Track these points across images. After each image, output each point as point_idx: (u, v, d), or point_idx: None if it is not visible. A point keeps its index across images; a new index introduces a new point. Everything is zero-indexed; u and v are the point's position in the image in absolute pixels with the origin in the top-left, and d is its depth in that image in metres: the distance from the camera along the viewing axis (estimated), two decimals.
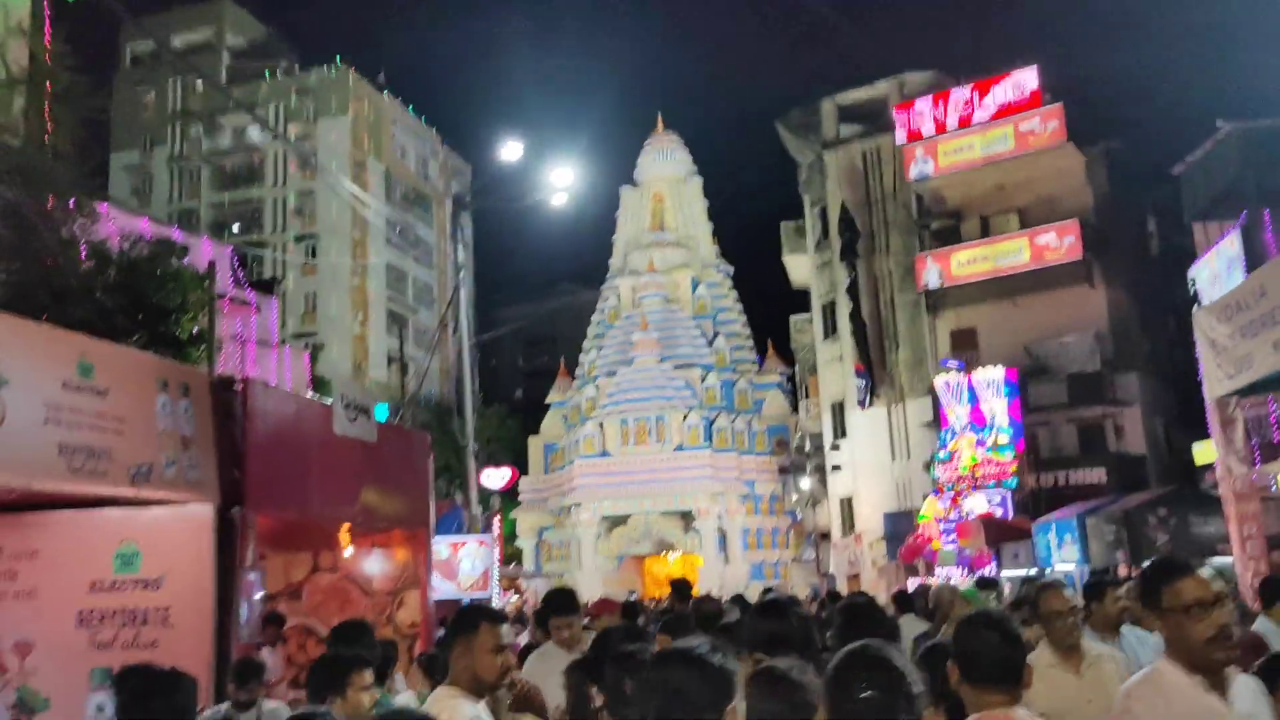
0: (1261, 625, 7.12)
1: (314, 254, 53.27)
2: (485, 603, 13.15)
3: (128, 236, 10.23)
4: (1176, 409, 32.14)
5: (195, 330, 10.03)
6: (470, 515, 13.88)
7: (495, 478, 18.02)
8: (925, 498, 28.14)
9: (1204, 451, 27.18)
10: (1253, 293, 10.96)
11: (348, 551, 8.27)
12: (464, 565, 13.26)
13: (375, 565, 8.50)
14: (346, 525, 8.04)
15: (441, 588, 13.15)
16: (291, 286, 52.38)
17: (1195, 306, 13.63)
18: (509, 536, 46.17)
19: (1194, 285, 17.87)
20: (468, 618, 3.65)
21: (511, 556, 47.03)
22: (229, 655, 5.68)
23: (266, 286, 27.64)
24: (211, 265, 9.75)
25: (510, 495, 45.34)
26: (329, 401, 8.09)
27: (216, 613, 5.79)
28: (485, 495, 18.26)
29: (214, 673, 5.63)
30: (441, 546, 13.29)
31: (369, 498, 7.92)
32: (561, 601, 5.55)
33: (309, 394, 21.63)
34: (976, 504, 26.22)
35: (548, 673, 4.82)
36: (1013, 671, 2.89)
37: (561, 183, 14.89)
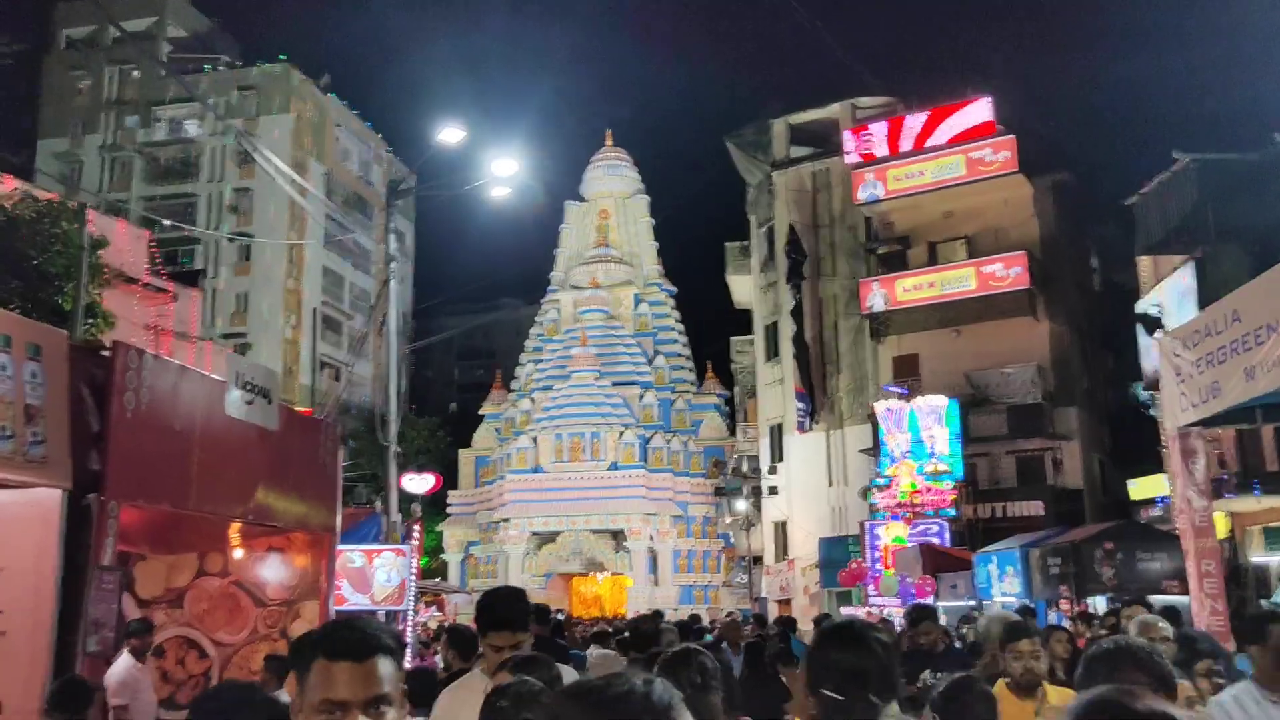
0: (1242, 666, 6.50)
1: (248, 253, 51.69)
2: (388, 621, 12.21)
3: (8, 196, 9.19)
4: (1112, 445, 32.16)
5: (86, 303, 9.01)
6: (389, 523, 12.93)
7: (418, 484, 17.12)
8: (861, 524, 27.61)
9: (1140, 487, 27.13)
10: (1224, 317, 10.44)
11: (238, 554, 7.34)
12: (379, 576, 12.32)
13: (271, 571, 7.57)
14: (237, 525, 7.11)
15: (354, 599, 12.19)
16: (223, 285, 50.76)
17: (1159, 332, 13.15)
18: (435, 550, 44.95)
19: (1159, 309, 17.55)
20: (301, 649, 2.10)
21: (436, 571, 45.79)
22: (72, 670, 4.75)
23: (191, 278, 26.33)
24: (97, 238, 8.75)
25: (438, 508, 44.16)
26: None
27: (58, 620, 4.85)
28: (408, 502, 17.28)
29: (49, 691, 4.67)
30: (355, 555, 12.35)
31: (266, 494, 6.99)
32: (508, 610, 3.64)
33: None
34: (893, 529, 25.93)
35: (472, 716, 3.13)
36: None
37: (504, 173, 14.07)
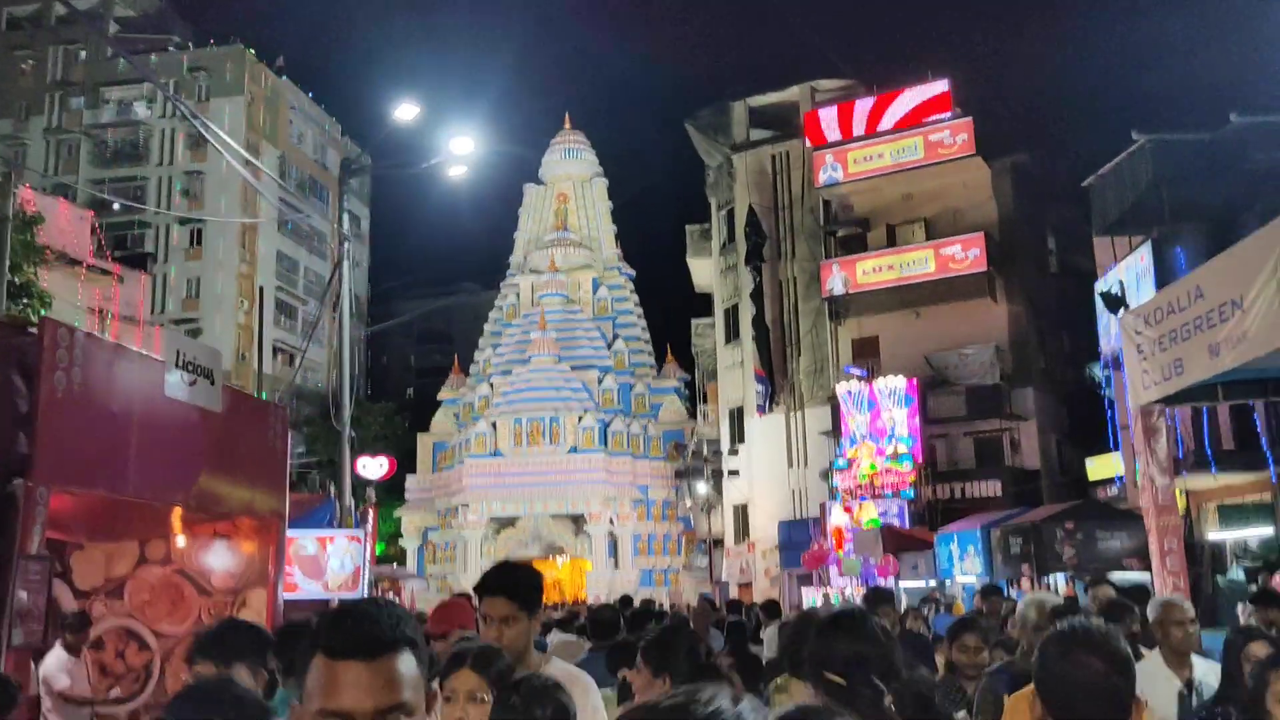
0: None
1: (200, 238, 50.73)
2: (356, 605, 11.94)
3: None
4: (1069, 425, 32.41)
5: (19, 282, 8.61)
6: (342, 508, 12.62)
7: (372, 468, 16.82)
8: (823, 505, 27.62)
9: (1098, 467, 27.34)
10: (1187, 294, 10.40)
11: (181, 542, 7.04)
12: (332, 563, 12.01)
13: (216, 558, 7.28)
14: (181, 511, 6.81)
15: (306, 587, 11.89)
16: (174, 270, 49.80)
17: (1121, 310, 13.12)
18: (392, 537, 44.52)
19: (1120, 288, 17.55)
20: (294, 640, 1.78)
21: (394, 558, 45.35)
22: None
23: (139, 262, 25.67)
24: (31, 215, 8.36)
25: (396, 494, 43.73)
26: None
27: None
28: (362, 487, 16.95)
29: None
30: (308, 541, 12.03)
31: (210, 478, 6.70)
32: (499, 577, 3.30)
33: None
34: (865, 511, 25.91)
35: None
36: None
37: (461, 152, 13.74)
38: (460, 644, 2.96)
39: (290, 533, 12.34)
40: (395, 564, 43.12)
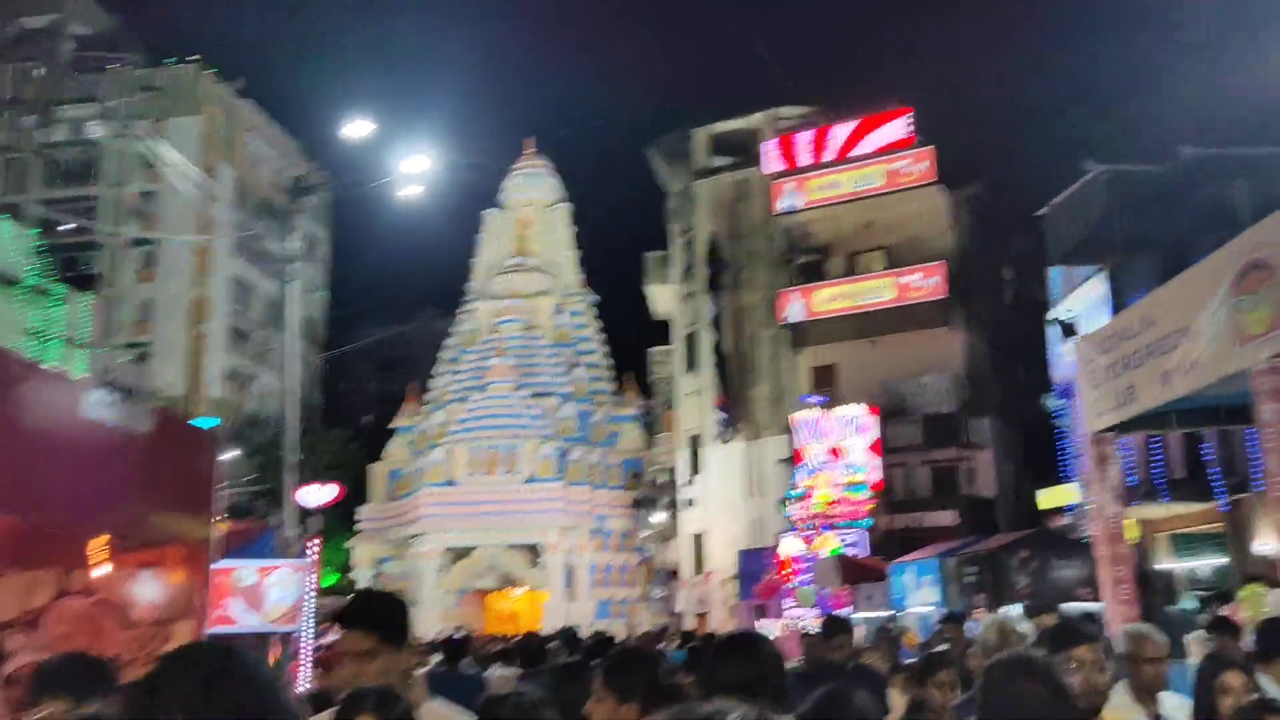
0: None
1: (153, 260, 49.94)
2: (287, 640, 11.57)
3: None
4: (1025, 455, 32.56)
5: None
6: (284, 537, 12.27)
7: (318, 495, 16.45)
8: (779, 536, 27.46)
9: (1050, 497, 27.47)
10: (1139, 320, 10.42)
11: (103, 571, 6.71)
12: (272, 594, 11.64)
13: (140, 589, 6.94)
14: (104, 538, 6.49)
15: (244, 620, 11.51)
16: (125, 292, 48.93)
17: (1075, 337, 13.12)
18: (345, 568, 43.76)
19: (1073, 316, 17.64)
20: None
21: (346, 590, 44.55)
22: None
23: (84, 283, 25.11)
24: None
25: (348, 524, 43.01)
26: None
27: None
28: (308, 516, 16.54)
29: None
30: (246, 572, 11.66)
31: (134, 504, 6.39)
32: (351, 607, 3.08)
33: None
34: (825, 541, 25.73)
35: None
36: None
37: (414, 170, 13.53)
38: (358, 687, 2.73)
39: (228, 563, 11.97)
40: (345, 596, 42.39)
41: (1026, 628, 6.15)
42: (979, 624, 15.41)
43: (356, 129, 12.98)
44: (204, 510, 7.24)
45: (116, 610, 6.89)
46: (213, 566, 11.72)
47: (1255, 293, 8.83)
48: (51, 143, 51.65)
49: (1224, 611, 11.97)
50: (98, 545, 6.61)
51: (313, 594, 11.74)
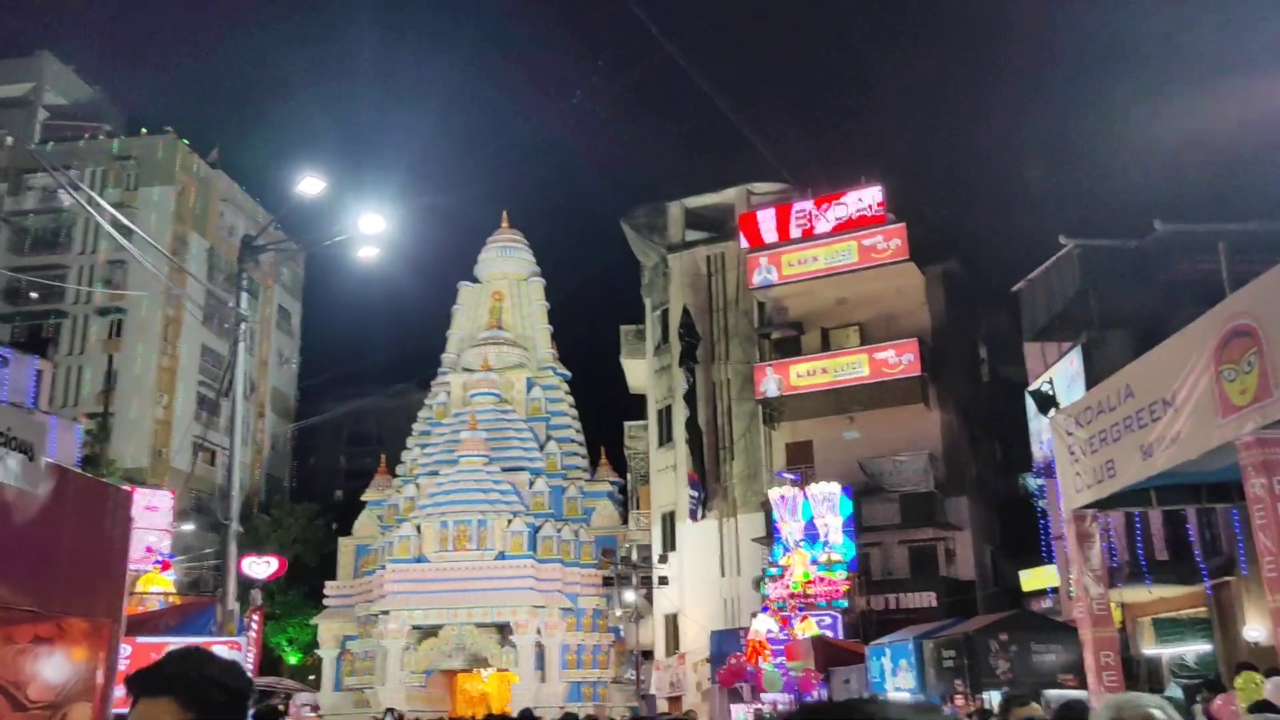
0: None
1: (119, 329, 49.26)
2: None
3: None
4: (1002, 536, 32.04)
5: None
6: (224, 612, 11.57)
7: (260, 567, 15.69)
8: (754, 616, 26.68)
9: (1031, 579, 26.90)
10: (1117, 393, 10.02)
11: None
12: None
13: (35, 667, 6.31)
14: None
15: None
16: (91, 362, 48.15)
17: (1052, 411, 12.74)
18: (309, 646, 42.49)
19: (1051, 386, 17.30)
20: None
21: (310, 669, 43.28)
22: None
23: (38, 347, 24.48)
24: None
25: (317, 600, 41.85)
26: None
27: None
28: (250, 588, 15.77)
29: None
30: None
31: (26, 572, 5.81)
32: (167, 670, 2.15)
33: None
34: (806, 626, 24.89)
35: None
36: None
37: (371, 230, 13.13)
38: None
39: (160, 639, 11.26)
40: (311, 675, 41.15)
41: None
42: (958, 711, 14.77)
43: (308, 186, 12.62)
44: (114, 580, 6.65)
45: (7, 690, 6.24)
46: (141, 641, 11.04)
47: (1238, 362, 8.46)
48: (21, 210, 51.25)
49: (1218, 702, 11.40)
50: None
51: (250, 673, 11.03)
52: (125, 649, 10.26)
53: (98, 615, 6.46)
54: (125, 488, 7.91)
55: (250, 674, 11.57)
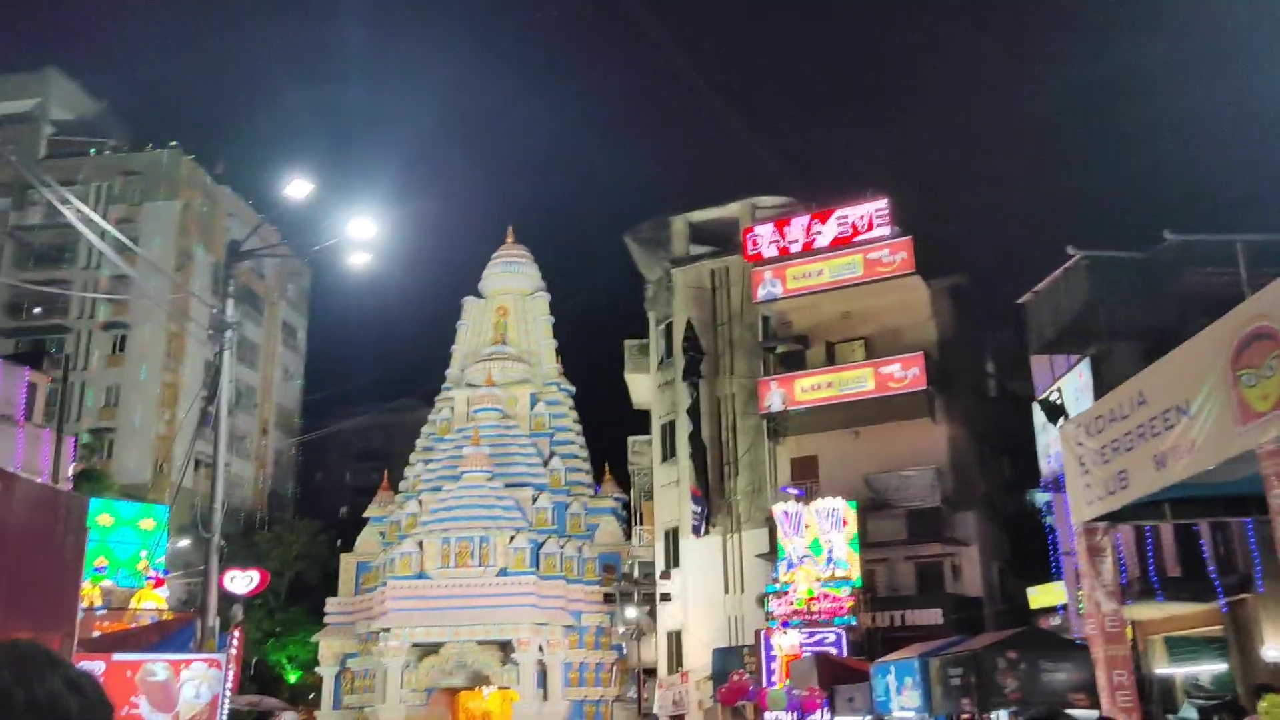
0: None
1: (123, 344, 49.09)
2: None
3: None
4: (1010, 552, 31.54)
5: None
6: (204, 628, 11.21)
7: (240, 582, 15.36)
8: (759, 633, 26.23)
9: (1040, 596, 26.42)
10: (1129, 400, 9.62)
11: None
12: (186, 691, 10.58)
13: None
14: None
15: (153, 719, 10.43)
16: (94, 377, 47.96)
17: (1061, 421, 12.35)
18: (309, 664, 42.05)
19: (1059, 394, 16.87)
20: None
21: (311, 687, 42.82)
22: None
23: (34, 360, 24.21)
24: None
25: (317, 618, 41.46)
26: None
27: None
28: (230, 604, 15.39)
29: None
30: (158, 667, 10.62)
31: None
32: None
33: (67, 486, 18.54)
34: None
35: None
36: None
37: (362, 235, 12.83)
38: None
39: (137, 656, 10.89)
40: (312, 694, 40.66)
41: None
42: None
43: (296, 189, 12.35)
44: (66, 591, 6.31)
45: None
46: (118, 659, 10.67)
47: (1258, 366, 8.06)
48: (26, 225, 51.19)
49: None
50: None
51: (228, 691, 10.65)
52: (99, 666, 9.91)
53: (47, 630, 6.12)
54: (80, 496, 7.57)
55: (229, 692, 11.09)
